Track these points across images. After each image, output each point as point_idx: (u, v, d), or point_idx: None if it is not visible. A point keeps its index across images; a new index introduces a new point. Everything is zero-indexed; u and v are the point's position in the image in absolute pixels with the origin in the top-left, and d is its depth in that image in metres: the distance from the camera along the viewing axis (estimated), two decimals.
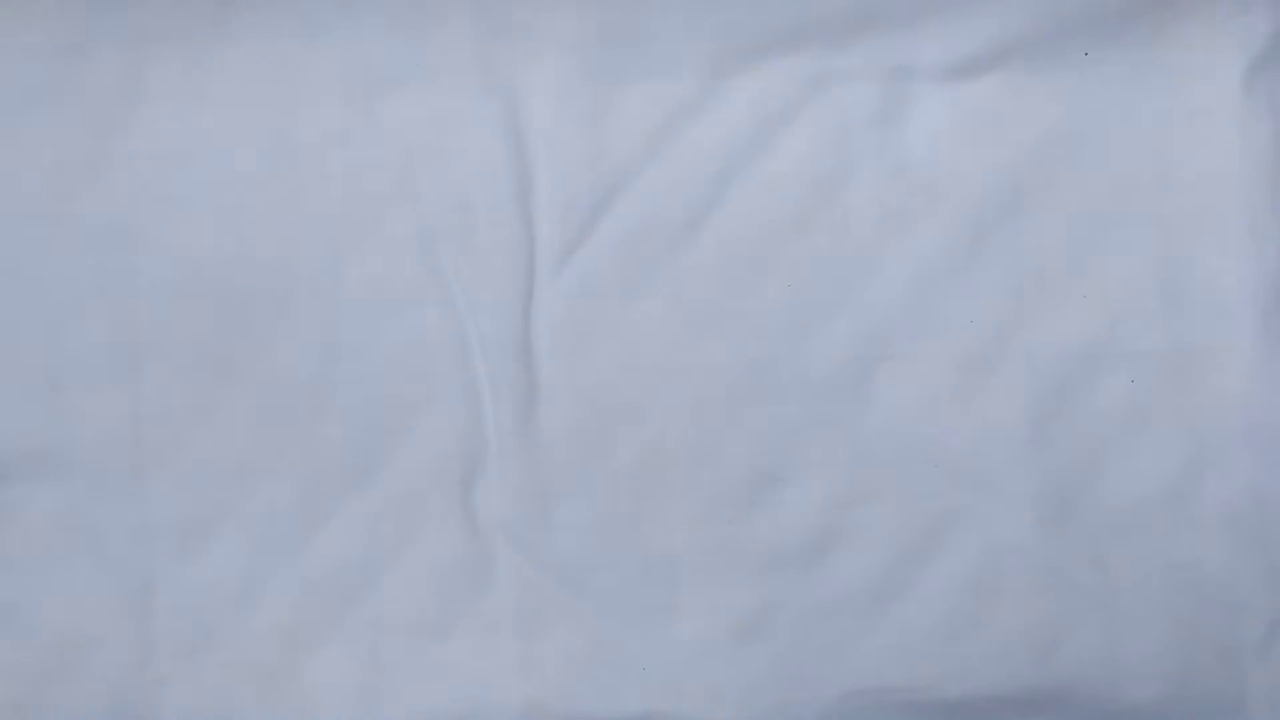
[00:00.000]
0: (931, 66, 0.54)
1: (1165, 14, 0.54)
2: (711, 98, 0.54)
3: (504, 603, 0.53)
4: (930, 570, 0.54)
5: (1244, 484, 0.54)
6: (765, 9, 0.54)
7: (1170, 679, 0.54)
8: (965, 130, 0.54)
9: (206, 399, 0.53)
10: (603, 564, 0.53)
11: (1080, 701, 0.54)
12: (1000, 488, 0.54)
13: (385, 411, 0.53)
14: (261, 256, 0.53)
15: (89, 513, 0.52)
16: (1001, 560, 0.54)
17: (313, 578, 0.53)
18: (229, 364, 0.53)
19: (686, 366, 0.54)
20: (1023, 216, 0.54)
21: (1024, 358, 0.54)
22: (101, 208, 0.53)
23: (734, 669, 0.53)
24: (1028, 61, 0.54)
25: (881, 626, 0.53)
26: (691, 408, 0.53)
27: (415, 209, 0.53)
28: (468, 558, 0.53)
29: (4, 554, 0.53)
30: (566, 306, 0.53)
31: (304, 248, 0.53)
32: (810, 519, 0.54)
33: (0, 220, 0.53)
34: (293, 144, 0.53)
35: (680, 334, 0.54)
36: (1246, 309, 0.54)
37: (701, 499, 0.54)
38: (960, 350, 0.54)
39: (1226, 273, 0.55)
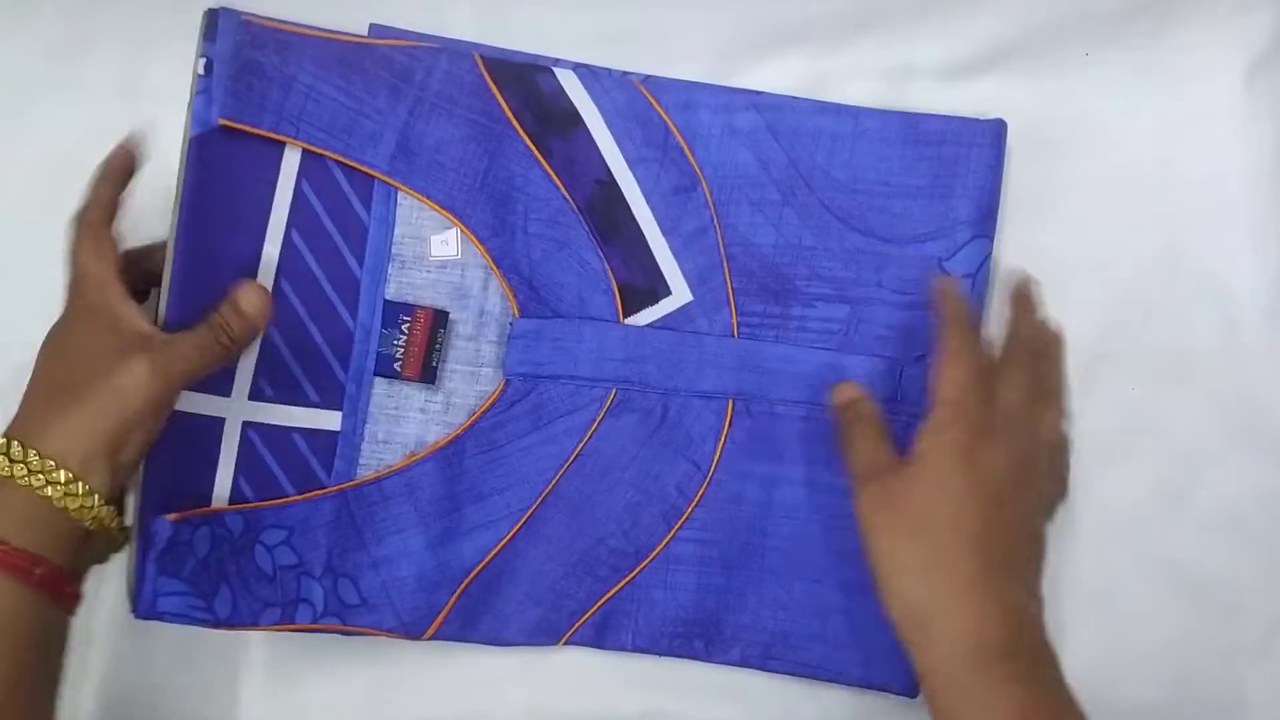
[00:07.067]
0: (931, 66, 0.54)
1: (1165, 14, 0.54)
2: None
3: None
4: None
5: (1244, 484, 0.54)
6: (765, 9, 0.54)
7: (1170, 679, 0.54)
8: None
9: None
10: None
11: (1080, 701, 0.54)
12: None
13: None
14: None
15: None
16: None
17: None
18: None
19: None
20: (1023, 216, 0.54)
21: None
22: None
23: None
24: (1028, 61, 0.54)
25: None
26: None
27: None
28: None
29: None
30: None
31: None
32: None
33: (0, 220, 0.54)
34: None
35: None
36: (1246, 309, 0.54)
37: None
38: None
39: (1226, 272, 0.55)
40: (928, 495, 0.45)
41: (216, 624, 0.50)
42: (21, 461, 0.42)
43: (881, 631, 0.51)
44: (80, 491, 0.42)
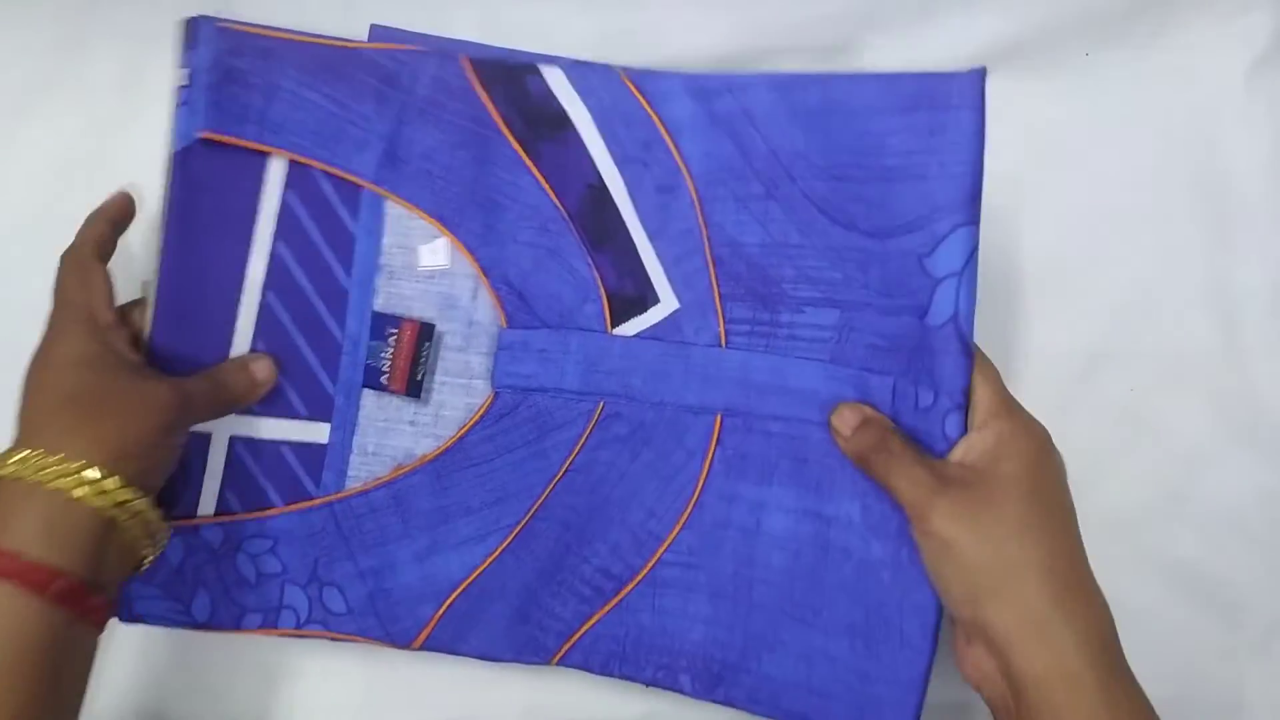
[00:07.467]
0: (931, 67, 0.54)
1: (1165, 14, 0.54)
2: None
3: None
4: None
5: (1244, 484, 0.54)
6: (765, 9, 0.54)
7: (1170, 679, 0.54)
8: None
9: None
10: None
11: None
12: None
13: None
14: None
15: None
16: None
17: None
18: None
19: None
20: (1023, 216, 0.54)
21: (1024, 358, 0.54)
22: None
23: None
24: (1028, 61, 0.54)
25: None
26: None
27: None
28: None
29: None
30: None
31: None
32: None
33: (0, 220, 0.54)
34: None
35: None
36: (1246, 309, 0.54)
37: None
38: None
39: (1226, 272, 0.55)
40: (1027, 499, 0.43)
41: (197, 627, 0.50)
42: (51, 467, 0.40)
43: (870, 683, 0.48)
44: (112, 487, 0.41)
